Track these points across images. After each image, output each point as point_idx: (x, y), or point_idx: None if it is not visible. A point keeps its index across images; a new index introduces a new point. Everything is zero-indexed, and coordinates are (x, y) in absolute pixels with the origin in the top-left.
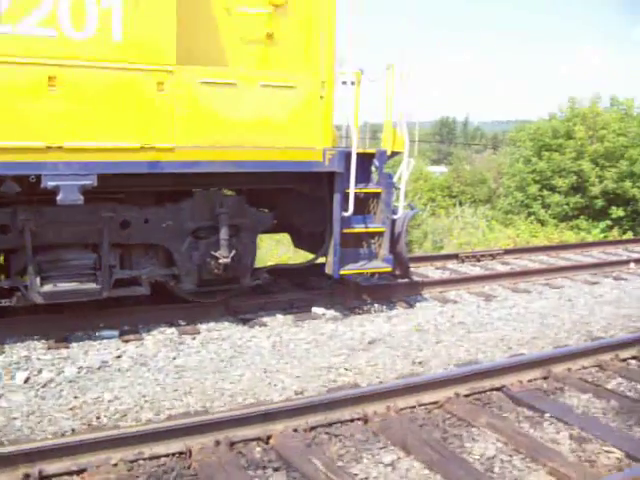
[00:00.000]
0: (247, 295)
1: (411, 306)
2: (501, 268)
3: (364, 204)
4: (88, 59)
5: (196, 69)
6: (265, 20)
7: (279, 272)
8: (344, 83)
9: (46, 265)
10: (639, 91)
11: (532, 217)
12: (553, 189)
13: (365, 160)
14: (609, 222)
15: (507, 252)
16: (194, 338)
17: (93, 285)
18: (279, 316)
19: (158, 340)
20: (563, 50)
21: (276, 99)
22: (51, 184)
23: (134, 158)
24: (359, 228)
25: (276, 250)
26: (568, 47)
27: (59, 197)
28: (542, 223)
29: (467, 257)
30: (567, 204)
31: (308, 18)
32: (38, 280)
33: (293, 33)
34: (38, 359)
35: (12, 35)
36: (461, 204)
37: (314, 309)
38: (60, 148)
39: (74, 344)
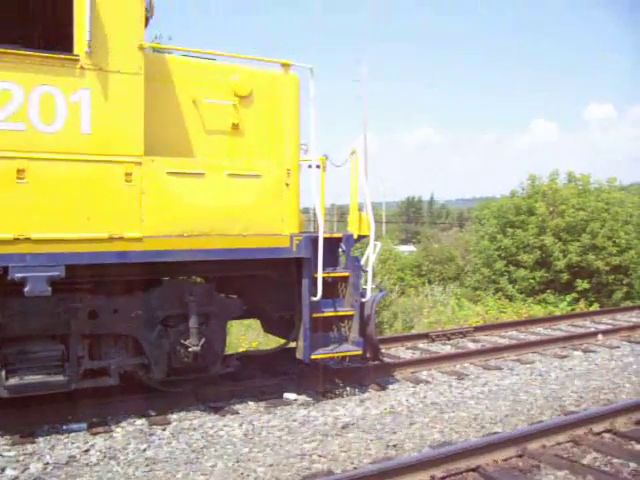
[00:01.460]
0: (218, 383)
1: (383, 388)
2: (472, 346)
3: (333, 288)
4: (57, 152)
5: (163, 160)
6: (231, 111)
7: (250, 358)
8: (310, 167)
9: (12, 357)
10: (592, 166)
11: (500, 293)
12: (519, 264)
13: (332, 244)
14: (575, 295)
15: (477, 329)
16: (164, 429)
17: (61, 377)
18: (251, 403)
19: (128, 432)
20: (516, 124)
21: (243, 188)
22: (18, 276)
23: (102, 249)
24: (328, 312)
25: (246, 336)
26: (521, 121)
27: (26, 289)
28: (510, 298)
29: (437, 336)
30: (533, 279)
31: (272, 108)
32: (3, 373)
33: (258, 123)
34: (1, 456)
35: None
36: (430, 282)
37: (286, 395)
38: (28, 239)
39: (40, 439)
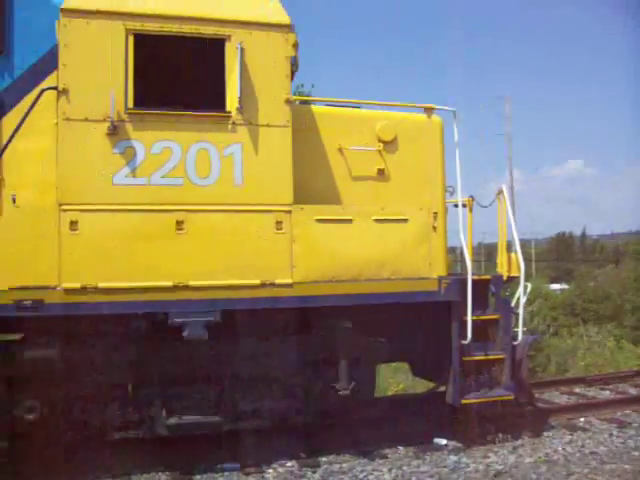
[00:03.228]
0: (367, 426)
1: (537, 435)
2: (633, 391)
3: (483, 331)
4: (212, 203)
5: (312, 208)
6: (376, 157)
7: (398, 402)
8: (456, 206)
9: (171, 398)
10: None
11: None
12: None
13: (481, 286)
14: None
15: (639, 374)
16: (315, 471)
17: (215, 418)
18: (400, 447)
19: (279, 473)
20: None
21: (390, 232)
22: (178, 321)
23: (255, 294)
24: (479, 356)
25: (394, 379)
26: None
27: (185, 333)
28: None
29: (595, 380)
30: None
31: (416, 151)
32: (164, 412)
33: (403, 167)
34: None
35: (145, 186)
36: (585, 322)
37: (436, 440)
38: (186, 287)
39: (197, 476)
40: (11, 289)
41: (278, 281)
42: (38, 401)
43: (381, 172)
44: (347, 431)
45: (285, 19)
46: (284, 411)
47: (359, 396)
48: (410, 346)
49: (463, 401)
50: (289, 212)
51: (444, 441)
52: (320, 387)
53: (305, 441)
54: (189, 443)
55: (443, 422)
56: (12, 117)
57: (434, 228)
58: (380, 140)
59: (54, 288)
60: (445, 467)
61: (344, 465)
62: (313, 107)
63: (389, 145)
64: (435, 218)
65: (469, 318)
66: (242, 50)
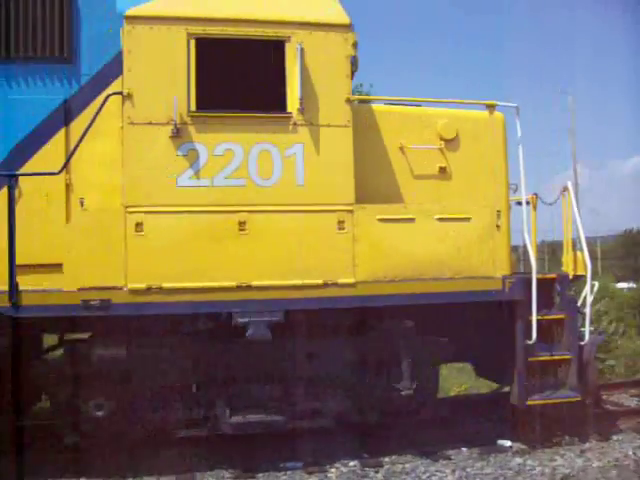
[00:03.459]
0: (429, 427)
1: (606, 439)
2: None
3: (548, 331)
4: (274, 203)
5: (374, 207)
6: (437, 155)
7: (461, 402)
8: (519, 204)
9: (235, 397)
10: None
11: None
12: None
13: (546, 285)
14: None
15: None
16: (377, 471)
17: (278, 417)
18: (463, 449)
19: (342, 473)
20: None
21: (453, 231)
22: (241, 321)
23: (317, 294)
24: (544, 356)
25: (457, 379)
26: None
27: (248, 333)
28: None
29: None
30: None
31: (478, 149)
32: (228, 411)
33: (465, 165)
34: None
35: (209, 187)
36: None
37: (500, 441)
38: (249, 287)
39: (260, 474)
40: (80, 289)
41: (340, 281)
42: (105, 399)
43: (443, 170)
44: (409, 431)
45: (345, 19)
46: (346, 410)
47: (422, 396)
48: (473, 346)
49: (528, 402)
50: (351, 212)
51: (508, 443)
52: (382, 387)
53: (367, 441)
54: (250, 441)
55: (507, 423)
56: (79, 122)
57: (497, 226)
58: (442, 138)
59: (120, 288)
60: (510, 469)
61: (407, 465)
62: (373, 106)
63: (451, 143)
64: (499, 216)
65: (534, 318)
66: (302, 51)
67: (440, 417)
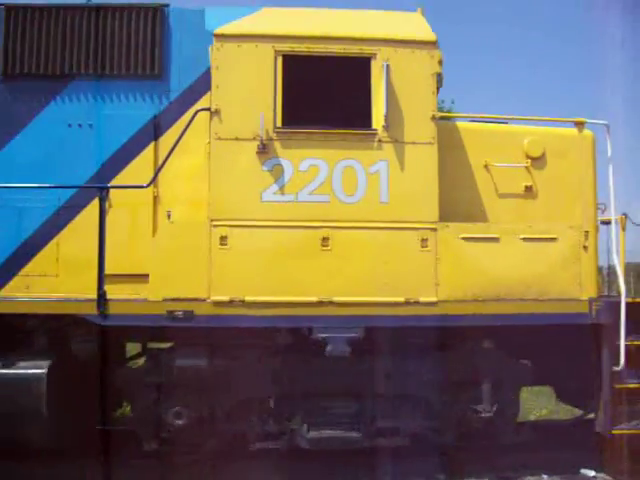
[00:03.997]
0: (508, 451)
1: None
2: None
3: (636, 357)
4: (357, 220)
5: (458, 225)
6: (523, 173)
7: (542, 428)
8: (606, 223)
9: (313, 412)
10: None
11: None
12: None
13: (636, 309)
14: None
15: None
16: None
17: (355, 434)
18: (544, 476)
19: None
20: None
21: (538, 251)
22: (321, 336)
23: (399, 312)
24: (633, 383)
25: (536, 402)
26: None
27: (328, 348)
28: None
29: None
30: None
31: (566, 168)
32: (305, 426)
33: (551, 184)
34: None
35: (293, 203)
36: None
37: (583, 471)
38: (331, 302)
39: None
40: (164, 300)
41: (422, 299)
42: (185, 408)
43: (528, 189)
44: (488, 455)
45: (431, 36)
46: (423, 430)
47: (502, 419)
48: (555, 370)
49: (614, 431)
50: (434, 230)
51: (592, 472)
52: (461, 408)
53: (443, 462)
54: (321, 458)
55: (591, 452)
56: (168, 137)
57: (585, 247)
58: (528, 156)
59: (204, 300)
60: None
61: None
62: (458, 124)
63: (537, 161)
64: (586, 237)
65: (622, 343)
66: (388, 68)
67: (520, 443)
